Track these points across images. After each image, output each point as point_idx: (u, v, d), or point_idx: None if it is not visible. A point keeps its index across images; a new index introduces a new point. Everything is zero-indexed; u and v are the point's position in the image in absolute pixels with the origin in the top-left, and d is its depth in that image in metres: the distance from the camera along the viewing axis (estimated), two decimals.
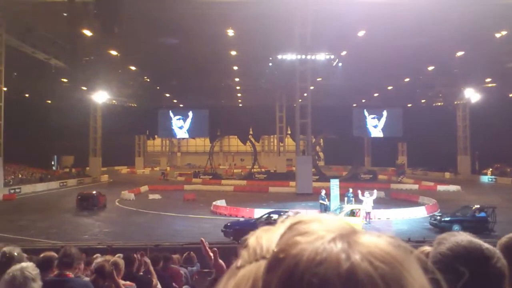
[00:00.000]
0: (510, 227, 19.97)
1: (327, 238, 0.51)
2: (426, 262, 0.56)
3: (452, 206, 28.53)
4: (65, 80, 44.14)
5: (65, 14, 28.62)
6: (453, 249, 1.21)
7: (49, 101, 52.61)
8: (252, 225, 18.61)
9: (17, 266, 2.48)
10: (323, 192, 25.39)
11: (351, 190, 25.02)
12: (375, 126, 52.07)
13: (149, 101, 53.11)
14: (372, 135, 53.98)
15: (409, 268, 0.49)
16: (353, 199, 24.10)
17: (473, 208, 21.43)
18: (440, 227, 19.68)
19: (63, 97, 47.73)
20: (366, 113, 51.99)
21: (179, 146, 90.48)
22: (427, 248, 1.38)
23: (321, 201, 24.70)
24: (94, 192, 30.26)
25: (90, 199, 28.55)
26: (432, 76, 46.19)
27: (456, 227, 19.29)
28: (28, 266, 2.49)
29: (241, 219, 23.00)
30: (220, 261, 2.24)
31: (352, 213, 20.76)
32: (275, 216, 19.11)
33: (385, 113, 51.48)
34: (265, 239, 0.57)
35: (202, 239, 2.41)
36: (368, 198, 23.05)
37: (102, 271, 4.14)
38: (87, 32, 31.63)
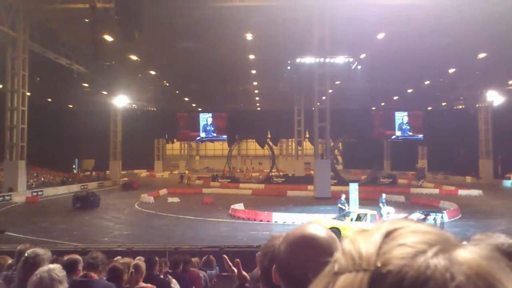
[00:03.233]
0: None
1: (429, 253, 0.51)
2: None
3: (474, 211, 28.09)
4: (86, 85, 44.94)
5: (86, 20, 29.19)
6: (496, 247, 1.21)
7: (71, 106, 53.72)
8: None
9: (45, 268, 2.54)
10: (343, 196, 24.87)
11: (384, 195, 24.24)
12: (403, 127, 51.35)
13: (168, 105, 53.65)
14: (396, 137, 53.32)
15: (508, 285, 0.50)
16: (384, 204, 23.47)
17: (422, 213, 20.67)
18: None
19: (85, 102, 48.69)
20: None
21: (198, 149, 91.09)
22: None
23: (340, 205, 24.20)
24: (127, 179, 50.43)
25: (129, 183, 46.22)
26: (453, 78, 45.57)
27: None
28: (55, 268, 2.55)
29: None
30: (244, 272, 2.25)
31: (359, 218, 20.51)
32: None
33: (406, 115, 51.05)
34: (363, 246, 0.56)
35: (225, 256, 2.42)
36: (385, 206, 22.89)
37: (115, 273, 4.17)
38: (108, 38, 32.20)
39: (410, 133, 51.16)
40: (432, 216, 19.93)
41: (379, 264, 0.52)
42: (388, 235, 0.56)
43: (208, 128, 53.03)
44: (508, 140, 44.69)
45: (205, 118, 53.22)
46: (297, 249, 1.02)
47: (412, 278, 0.49)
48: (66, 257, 3.77)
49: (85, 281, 3.40)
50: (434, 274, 0.48)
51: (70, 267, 3.35)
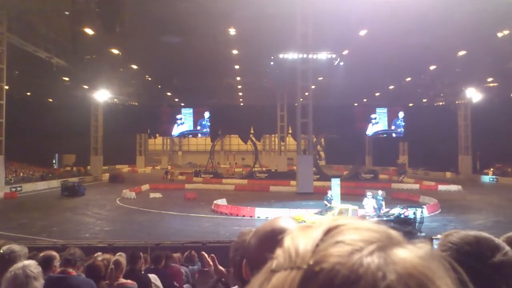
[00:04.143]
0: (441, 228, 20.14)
1: (364, 251, 0.50)
2: (457, 269, 0.56)
3: (453, 206, 28.61)
4: (66, 78, 44.14)
5: (67, 13, 28.65)
6: (463, 238, 1.25)
7: (51, 100, 52.72)
8: None
9: (19, 265, 2.48)
10: (330, 192, 24.92)
11: (380, 192, 23.63)
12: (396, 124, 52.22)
13: (150, 99, 53.17)
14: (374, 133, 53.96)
15: (440, 285, 0.49)
16: (383, 202, 22.58)
17: (401, 208, 20.81)
18: None
19: (65, 96, 47.81)
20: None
21: (180, 145, 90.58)
22: None
23: (325, 202, 23.85)
24: (117, 173, 54.76)
25: (117, 176, 51.07)
26: (434, 75, 46.16)
27: None
28: (31, 265, 2.49)
29: None
30: (220, 267, 2.25)
31: (341, 213, 20.64)
32: None
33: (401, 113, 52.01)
34: (302, 243, 0.54)
35: (203, 252, 2.42)
36: (369, 199, 22.99)
37: (93, 270, 4.08)
38: (89, 31, 31.67)
39: (402, 130, 52.16)
40: (412, 210, 20.20)
41: (311, 262, 0.51)
42: (329, 231, 0.54)
43: (204, 123, 53.13)
44: (487, 136, 45.59)
45: (191, 114, 53.20)
46: (267, 243, 1.00)
47: (344, 277, 0.48)
48: (42, 254, 3.69)
49: (62, 277, 3.34)
50: (366, 273, 0.48)
51: (45, 264, 3.28)
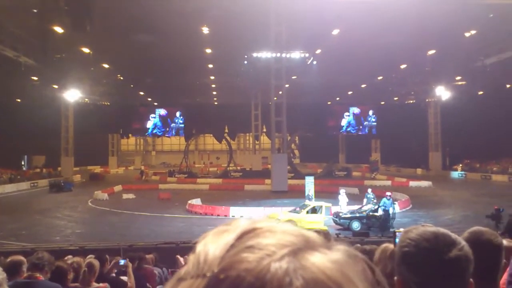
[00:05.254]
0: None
1: (274, 256, 0.47)
2: (375, 271, 0.54)
3: (424, 202, 29.28)
4: (35, 78, 43.03)
5: (35, 10, 27.91)
6: (422, 234, 1.30)
7: (19, 100, 51.32)
8: None
9: None
10: (310, 191, 25.20)
11: (370, 190, 23.57)
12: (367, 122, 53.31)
13: (122, 99, 52.40)
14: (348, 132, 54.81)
15: None
16: (375, 200, 22.41)
17: (374, 204, 21.22)
18: (340, 224, 19.94)
19: (33, 96, 46.57)
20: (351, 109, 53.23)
21: (154, 145, 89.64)
22: (389, 246, 1.45)
23: (306, 200, 24.02)
24: (95, 172, 56.87)
25: (96, 174, 53.75)
26: (405, 74, 47.04)
27: (355, 223, 19.70)
28: None
29: None
30: None
31: (314, 210, 20.89)
32: None
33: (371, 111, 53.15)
34: (212, 248, 0.50)
35: (177, 256, 2.42)
36: (343, 196, 23.34)
37: (58, 273, 3.99)
38: (58, 29, 30.94)
39: (373, 123, 53.28)
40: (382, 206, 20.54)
41: (215, 270, 0.47)
42: (243, 235, 0.51)
43: (177, 120, 53.00)
44: (455, 133, 46.86)
45: (171, 113, 52.98)
46: None
47: (249, 284, 0.45)
48: (9, 259, 3.59)
49: (28, 282, 3.25)
50: (271, 279, 0.45)
51: (12, 269, 3.20)
